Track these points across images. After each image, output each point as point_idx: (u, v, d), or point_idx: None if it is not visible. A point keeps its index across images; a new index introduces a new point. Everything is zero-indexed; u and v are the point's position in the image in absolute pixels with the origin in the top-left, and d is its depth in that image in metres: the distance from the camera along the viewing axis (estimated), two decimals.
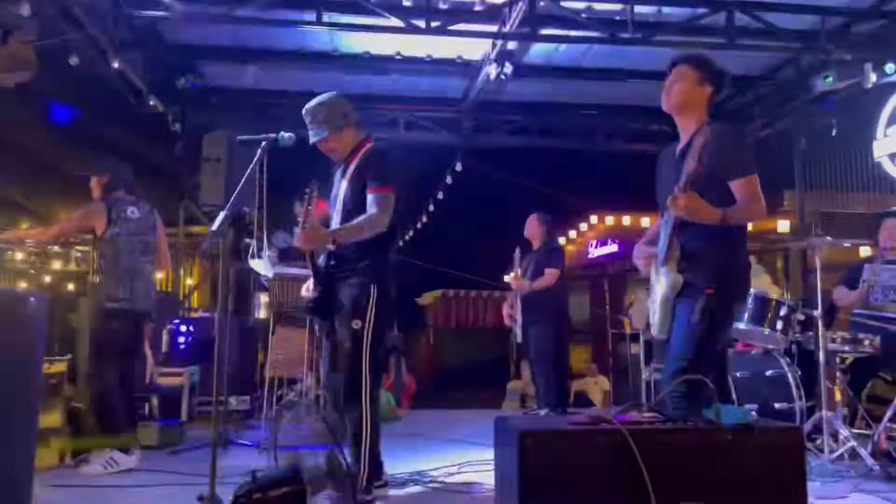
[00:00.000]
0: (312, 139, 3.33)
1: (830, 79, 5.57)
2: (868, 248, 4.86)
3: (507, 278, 7.56)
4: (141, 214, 4.27)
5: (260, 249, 3.49)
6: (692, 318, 2.62)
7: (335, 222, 3.31)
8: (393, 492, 3.43)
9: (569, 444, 1.94)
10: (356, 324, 3.11)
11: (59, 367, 5.60)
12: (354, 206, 3.21)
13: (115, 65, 5.74)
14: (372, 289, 3.14)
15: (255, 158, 3.10)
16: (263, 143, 3.15)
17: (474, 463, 4.14)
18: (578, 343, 11.65)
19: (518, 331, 6.09)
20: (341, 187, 3.31)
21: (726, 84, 2.87)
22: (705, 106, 2.84)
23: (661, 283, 2.75)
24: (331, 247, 3.18)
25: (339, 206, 3.31)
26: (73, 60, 5.21)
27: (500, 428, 2.15)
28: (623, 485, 1.91)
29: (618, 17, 5.76)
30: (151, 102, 6.50)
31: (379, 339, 3.16)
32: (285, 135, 3.20)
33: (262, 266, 3.67)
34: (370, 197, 3.15)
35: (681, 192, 2.59)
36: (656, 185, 3.00)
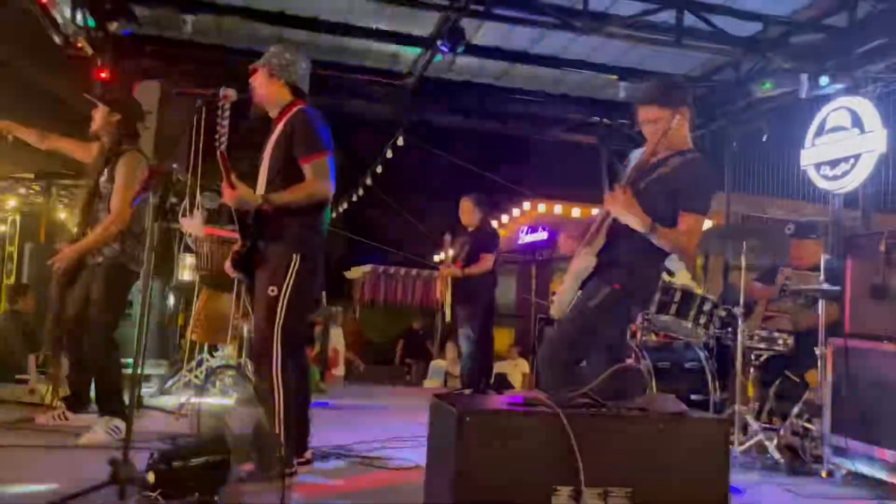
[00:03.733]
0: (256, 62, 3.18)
1: (769, 85, 5.76)
2: None
3: (437, 258, 7.56)
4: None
5: (191, 209, 3.31)
6: (590, 302, 2.73)
7: (260, 186, 3.15)
8: (316, 465, 3.38)
9: (506, 425, 1.93)
10: (271, 290, 2.98)
11: None
12: (279, 171, 3.07)
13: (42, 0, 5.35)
14: (294, 257, 3.01)
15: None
16: (198, 100, 3.00)
17: (398, 438, 4.13)
18: (502, 326, 11.81)
19: (447, 310, 6.10)
20: (266, 149, 3.16)
21: (692, 93, 2.92)
22: (686, 132, 2.89)
23: (577, 262, 2.84)
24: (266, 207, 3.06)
25: (263, 168, 3.15)
26: None
27: (437, 405, 2.13)
28: (555, 466, 1.92)
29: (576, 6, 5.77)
30: (79, 45, 6.10)
31: (296, 309, 3.02)
32: (226, 91, 3.05)
33: (193, 226, 3.49)
34: (305, 168, 3.02)
35: (620, 190, 2.66)
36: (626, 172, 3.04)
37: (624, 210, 2.68)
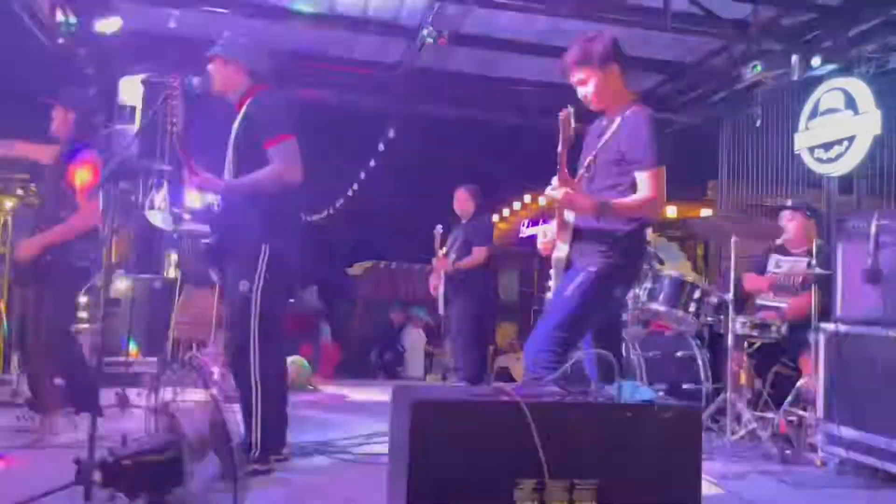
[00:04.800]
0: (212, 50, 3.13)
1: (759, 67, 5.64)
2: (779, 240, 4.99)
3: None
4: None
5: (160, 201, 3.25)
6: (566, 292, 2.65)
7: (227, 175, 3.07)
8: (295, 461, 3.32)
9: (464, 416, 1.85)
10: (243, 284, 2.92)
11: None
12: (244, 158, 2.99)
13: None
14: (263, 248, 2.94)
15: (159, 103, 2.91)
16: (168, 86, 2.94)
17: (384, 434, 4.06)
18: (505, 320, 11.74)
19: (441, 304, 6.03)
20: (230, 137, 3.10)
21: (621, 46, 2.81)
22: (621, 86, 2.82)
23: (555, 256, 2.78)
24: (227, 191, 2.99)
25: (229, 157, 3.09)
26: None
27: (397, 397, 2.05)
28: (518, 460, 1.84)
29: None
30: (61, 41, 6.04)
31: (270, 302, 2.96)
32: (194, 78, 2.99)
33: (159, 219, 3.42)
34: (270, 150, 2.92)
35: (558, 184, 2.60)
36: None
37: (566, 204, 2.63)
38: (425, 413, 1.80)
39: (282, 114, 3.02)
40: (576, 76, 2.76)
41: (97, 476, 1.93)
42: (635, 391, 2.05)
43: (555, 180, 2.61)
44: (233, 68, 3.09)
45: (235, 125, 3.08)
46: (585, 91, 2.76)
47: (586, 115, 2.94)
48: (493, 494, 1.83)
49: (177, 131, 2.71)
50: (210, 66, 3.14)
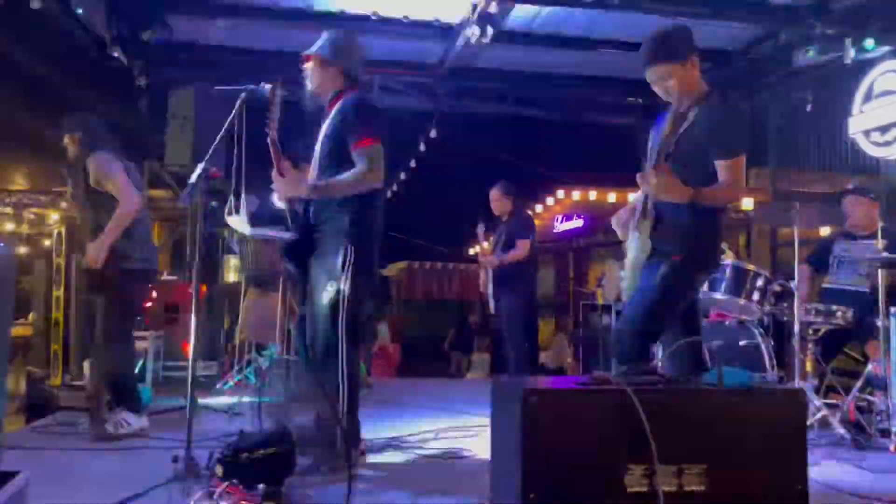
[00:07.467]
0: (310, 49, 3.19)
1: (812, 52, 5.55)
2: (828, 228, 4.94)
3: (472, 252, 7.51)
4: (134, 168, 4.07)
5: (238, 206, 3.34)
6: (652, 281, 2.64)
7: (312, 174, 3.14)
8: (372, 458, 3.38)
9: (573, 403, 1.89)
10: (332, 286, 2.96)
11: (19, 330, 5.36)
12: (330, 160, 3.04)
13: (80, 11, 5.42)
14: (349, 250, 2.98)
15: (234, 110, 3.00)
16: (243, 94, 3.03)
17: (451, 429, 4.13)
18: (543, 316, 11.73)
19: (491, 303, 6.05)
20: (319, 138, 3.15)
21: (693, 37, 2.79)
22: (699, 77, 2.81)
23: (633, 248, 2.76)
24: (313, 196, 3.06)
25: (316, 157, 3.14)
26: (35, 3, 4.89)
27: (499, 388, 2.09)
28: (626, 445, 1.87)
29: None
30: (115, 55, 6.20)
31: (357, 302, 3.00)
32: (266, 86, 3.05)
33: (239, 223, 3.51)
34: (355, 152, 2.95)
35: (652, 170, 2.58)
36: (647, 148, 2.95)
37: (661, 191, 2.61)
38: (536, 401, 1.83)
39: (373, 117, 3.06)
40: (658, 72, 2.72)
41: (219, 471, 2.00)
42: (734, 376, 2.07)
43: (648, 166, 2.60)
44: (332, 69, 3.12)
45: (326, 124, 3.13)
46: (667, 85, 2.72)
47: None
48: (604, 479, 1.86)
49: (273, 133, 2.80)
50: (307, 66, 3.16)
